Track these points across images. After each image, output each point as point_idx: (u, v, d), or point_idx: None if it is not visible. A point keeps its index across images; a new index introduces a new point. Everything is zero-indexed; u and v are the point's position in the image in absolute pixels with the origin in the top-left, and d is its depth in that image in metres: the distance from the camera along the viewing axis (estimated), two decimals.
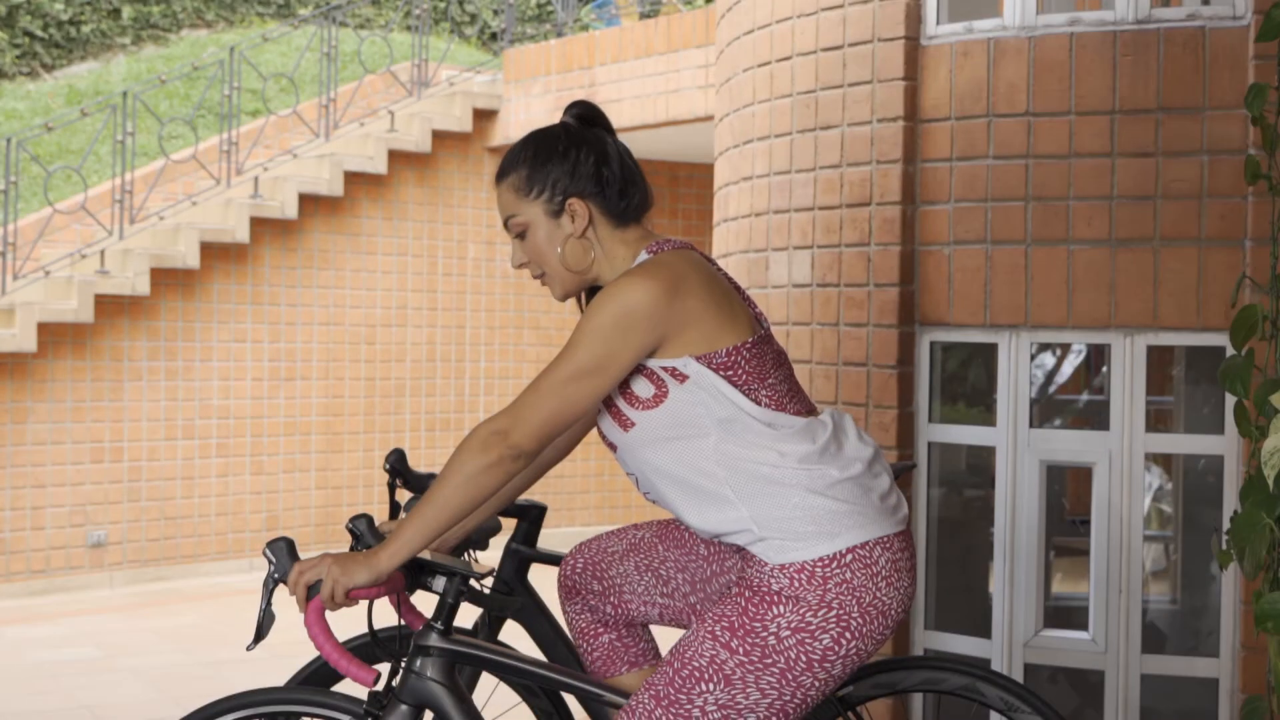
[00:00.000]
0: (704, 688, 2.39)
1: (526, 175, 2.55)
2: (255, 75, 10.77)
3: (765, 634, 2.38)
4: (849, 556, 2.39)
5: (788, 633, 2.37)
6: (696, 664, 2.41)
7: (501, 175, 2.59)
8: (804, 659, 2.38)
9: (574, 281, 2.58)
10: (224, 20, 14.29)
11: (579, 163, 2.54)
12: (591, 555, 2.90)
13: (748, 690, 2.38)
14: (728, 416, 2.43)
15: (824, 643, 2.38)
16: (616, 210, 2.56)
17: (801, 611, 2.37)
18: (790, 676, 2.38)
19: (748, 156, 4.96)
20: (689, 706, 2.40)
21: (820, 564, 2.38)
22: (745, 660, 2.38)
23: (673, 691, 2.41)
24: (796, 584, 2.38)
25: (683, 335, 2.43)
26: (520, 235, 2.57)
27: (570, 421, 2.43)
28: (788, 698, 2.39)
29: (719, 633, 2.41)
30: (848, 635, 2.39)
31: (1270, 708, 3.34)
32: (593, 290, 2.66)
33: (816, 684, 2.40)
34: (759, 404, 2.45)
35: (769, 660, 2.38)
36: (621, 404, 2.48)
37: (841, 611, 2.38)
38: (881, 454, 2.55)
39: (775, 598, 2.38)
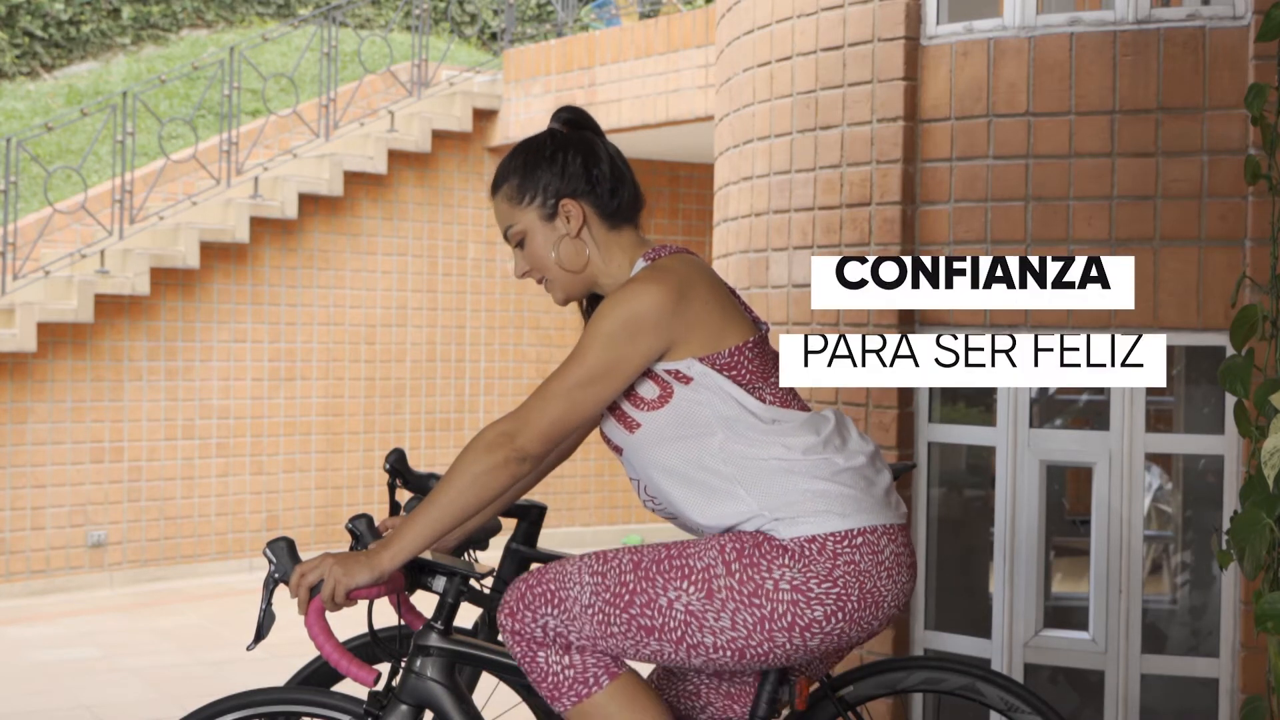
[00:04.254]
0: (684, 585, 2.40)
1: (518, 184, 2.59)
2: (255, 75, 10.77)
3: (766, 577, 2.38)
4: (859, 539, 2.41)
5: (786, 587, 2.38)
6: (691, 562, 2.41)
7: (495, 188, 2.62)
8: (789, 617, 2.38)
9: (573, 283, 2.60)
10: (224, 20, 14.29)
11: (567, 164, 2.57)
12: None
13: (721, 615, 2.39)
14: (733, 415, 2.45)
15: (816, 613, 2.38)
16: (609, 209, 2.58)
17: (807, 576, 2.38)
18: (766, 626, 2.38)
19: (748, 156, 4.96)
20: (659, 593, 2.41)
21: (832, 538, 2.39)
22: (736, 587, 2.38)
23: (654, 570, 2.42)
24: (809, 552, 2.39)
25: (689, 338, 2.45)
26: (520, 244, 2.61)
27: (577, 426, 2.45)
28: (754, 644, 2.40)
29: (726, 549, 2.41)
30: (839, 616, 2.40)
31: (1270, 708, 3.34)
32: (593, 299, 2.68)
33: (789, 646, 2.40)
34: (763, 401, 2.47)
35: (756, 601, 2.38)
36: (626, 406, 2.50)
37: (843, 590, 2.39)
38: (881, 454, 2.57)
39: (790, 552, 2.39)
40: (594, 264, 2.58)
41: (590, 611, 2.43)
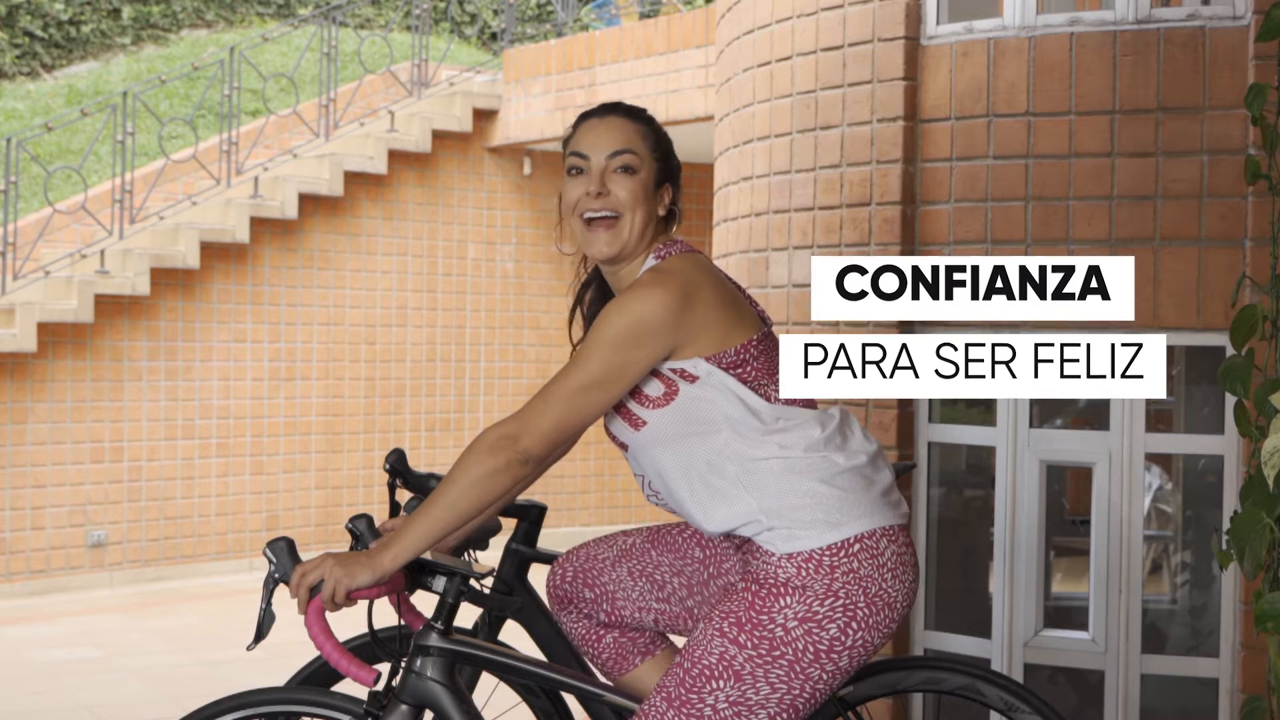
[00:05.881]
0: (715, 685, 2.40)
1: (658, 135, 2.62)
2: (255, 75, 10.77)
3: (773, 626, 2.39)
4: (856, 546, 2.41)
5: (795, 623, 2.38)
6: (706, 662, 2.42)
7: (631, 113, 2.62)
8: (811, 650, 2.39)
9: (631, 243, 2.57)
10: (224, 20, 14.29)
11: (679, 164, 2.66)
12: (581, 563, 2.90)
13: (758, 685, 2.39)
14: (737, 415, 2.45)
15: (831, 632, 2.39)
16: (675, 214, 2.65)
17: (808, 601, 2.38)
18: (799, 668, 2.39)
19: (748, 156, 4.96)
20: (700, 705, 2.41)
21: (828, 552, 2.39)
22: (754, 654, 2.39)
23: (684, 691, 2.42)
24: (804, 573, 2.39)
25: (694, 340, 2.46)
26: (626, 169, 2.57)
27: (579, 429, 2.45)
28: (797, 691, 2.40)
29: (726, 629, 2.42)
30: (854, 625, 2.40)
31: (1270, 708, 3.34)
32: (594, 301, 2.69)
33: (824, 676, 2.41)
34: (769, 399, 2.48)
35: (777, 653, 2.38)
36: (631, 404, 2.50)
37: (848, 601, 2.39)
38: (884, 453, 2.57)
39: (782, 588, 2.40)
40: (640, 243, 2.58)
41: None
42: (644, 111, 2.65)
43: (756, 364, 2.48)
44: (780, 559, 2.41)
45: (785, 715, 2.41)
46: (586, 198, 2.55)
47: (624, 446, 2.56)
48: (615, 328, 2.41)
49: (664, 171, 2.60)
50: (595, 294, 2.74)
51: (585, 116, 2.63)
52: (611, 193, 2.55)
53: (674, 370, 2.46)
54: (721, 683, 2.40)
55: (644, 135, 2.59)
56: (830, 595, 2.39)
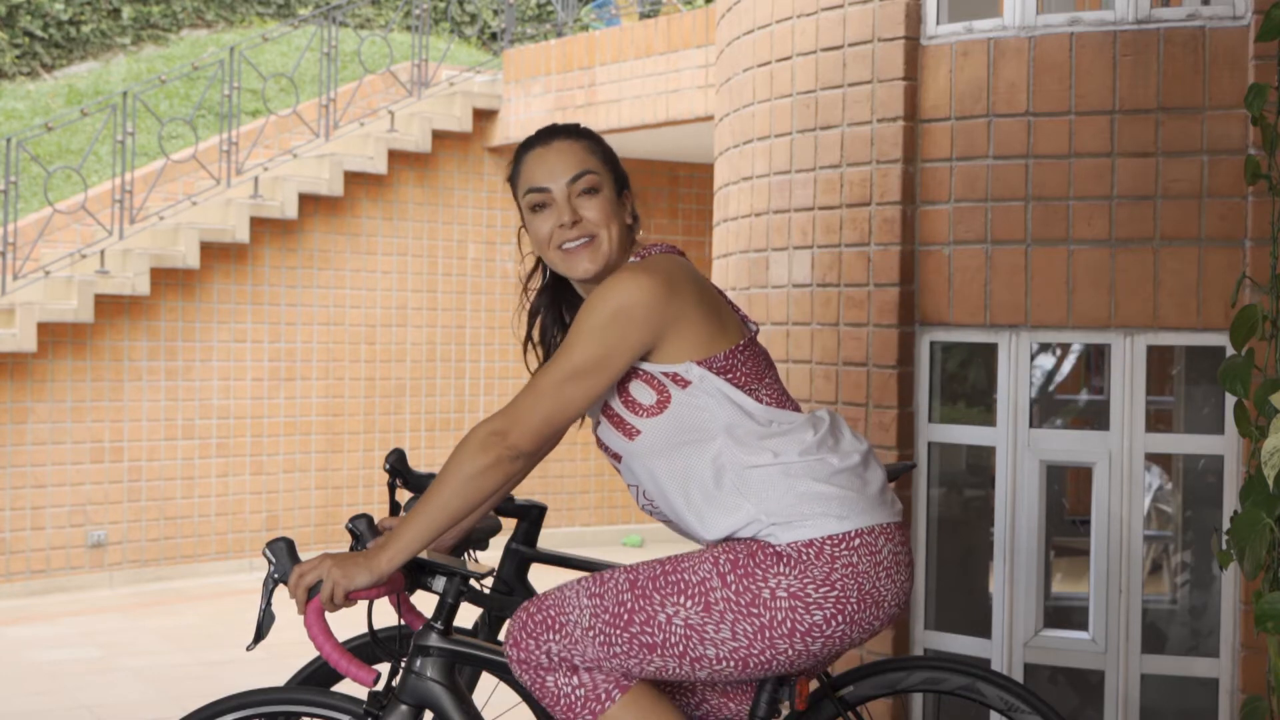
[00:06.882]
0: (681, 600, 2.40)
1: (603, 148, 2.59)
2: (255, 75, 10.77)
3: (762, 586, 2.38)
4: (856, 540, 2.41)
5: (784, 594, 2.38)
6: (686, 577, 2.41)
7: (573, 134, 2.59)
8: (789, 624, 2.38)
9: (614, 259, 2.55)
10: (224, 20, 14.29)
11: (624, 170, 2.62)
12: None
13: (720, 626, 2.39)
14: (732, 419, 2.45)
15: (815, 618, 2.39)
16: (636, 219, 2.61)
17: (804, 582, 2.38)
18: (767, 635, 2.39)
19: (748, 156, 4.96)
20: (658, 609, 2.40)
21: (829, 542, 2.39)
22: (733, 598, 2.38)
23: (651, 588, 2.42)
24: (805, 556, 2.39)
25: (679, 336, 2.44)
26: (589, 190, 2.54)
27: (568, 421, 2.45)
28: (755, 652, 2.40)
29: (721, 561, 2.41)
30: (840, 618, 2.40)
31: (1270, 708, 3.34)
32: (568, 298, 2.68)
33: (790, 653, 2.41)
34: (761, 402, 2.47)
35: (755, 610, 2.38)
36: (625, 413, 2.48)
37: (842, 593, 2.39)
38: (874, 452, 2.57)
39: (785, 559, 2.39)
40: (620, 255, 2.56)
41: (591, 634, 2.43)
42: (583, 128, 2.62)
43: (745, 369, 2.48)
44: (783, 545, 2.40)
45: (732, 664, 2.40)
46: (561, 230, 2.52)
47: (616, 457, 2.55)
48: (599, 315, 2.40)
49: (619, 180, 2.59)
50: (548, 319, 2.70)
51: (528, 148, 2.59)
52: (583, 217, 2.53)
53: (666, 374, 2.45)
54: (690, 603, 2.39)
55: (593, 151, 2.57)
56: (826, 584, 2.39)
